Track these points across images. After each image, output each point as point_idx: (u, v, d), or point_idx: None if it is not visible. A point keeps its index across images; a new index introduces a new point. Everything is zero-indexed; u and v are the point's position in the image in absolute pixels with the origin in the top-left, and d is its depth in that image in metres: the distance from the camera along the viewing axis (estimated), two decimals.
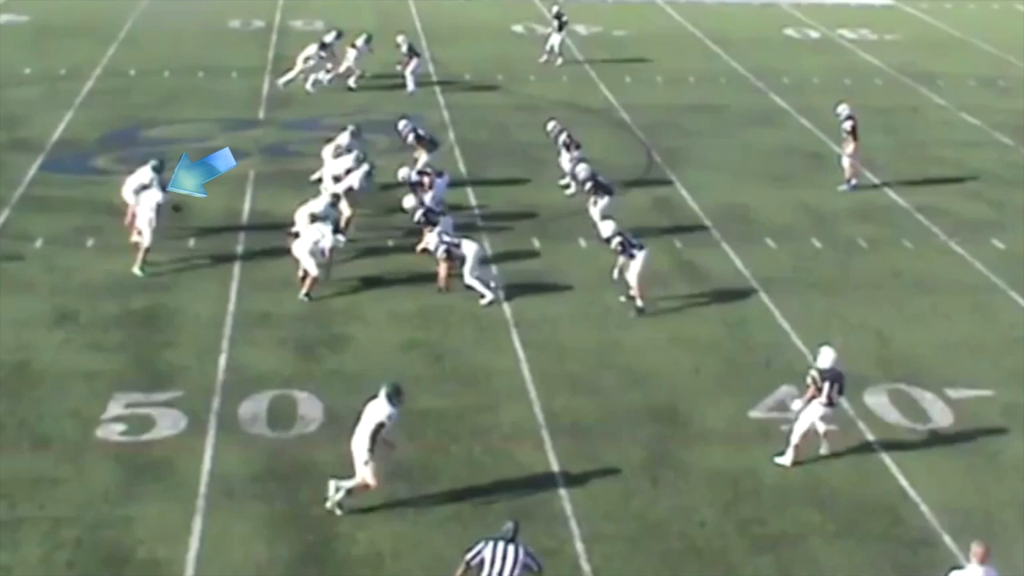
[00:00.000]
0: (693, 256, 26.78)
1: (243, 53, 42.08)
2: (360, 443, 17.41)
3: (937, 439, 20.02)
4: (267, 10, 48.90)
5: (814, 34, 49.02)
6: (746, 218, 29.12)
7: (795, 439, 19.07)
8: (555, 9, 42.82)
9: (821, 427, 19.24)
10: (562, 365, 21.87)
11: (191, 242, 26.35)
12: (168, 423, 19.50)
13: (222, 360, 21.52)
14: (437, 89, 37.99)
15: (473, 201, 29.30)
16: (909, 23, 51.99)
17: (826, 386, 18.92)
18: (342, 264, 25.34)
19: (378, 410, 17.44)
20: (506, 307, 23.99)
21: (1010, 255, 27.54)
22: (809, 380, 19.08)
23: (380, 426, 17.28)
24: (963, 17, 53.06)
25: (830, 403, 19.00)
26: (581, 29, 46.84)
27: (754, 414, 20.49)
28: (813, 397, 18.96)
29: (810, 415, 19.01)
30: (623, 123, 35.69)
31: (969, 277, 26.47)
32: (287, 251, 25.68)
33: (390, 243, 26.72)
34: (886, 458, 19.39)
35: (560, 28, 41.87)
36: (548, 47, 41.94)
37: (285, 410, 20.02)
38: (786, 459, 19.11)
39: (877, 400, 21.03)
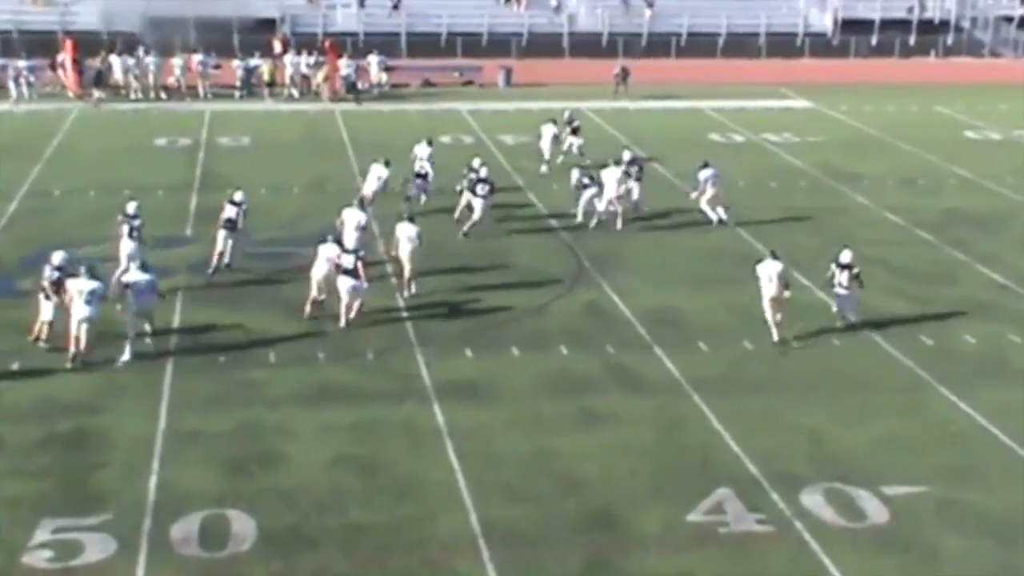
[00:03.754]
0: (625, 360, 26.79)
1: (170, 171, 42.05)
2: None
3: (874, 537, 19.99)
4: (194, 128, 49.01)
5: (738, 138, 49.70)
6: (677, 321, 29.23)
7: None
8: (566, 115, 44.61)
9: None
10: (497, 474, 21.71)
11: (119, 361, 26.06)
12: (97, 548, 19.11)
13: (152, 481, 21.20)
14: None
15: (404, 312, 29.23)
16: (830, 125, 52.84)
17: (838, 272, 28.26)
18: (272, 378, 25.22)
19: (774, 268, 27.73)
20: (440, 417, 23.86)
21: (938, 351, 27.79)
22: (828, 274, 28.43)
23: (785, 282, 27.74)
24: (882, 118, 54.01)
25: (844, 287, 28.33)
26: (508, 139, 47.25)
27: (691, 518, 20.38)
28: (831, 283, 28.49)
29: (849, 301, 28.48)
30: (551, 229, 35.85)
31: (899, 374, 26.65)
32: (217, 368, 25.61)
33: (320, 356, 26.59)
34: (824, 558, 19.31)
35: (574, 132, 43.54)
36: (566, 148, 43.53)
37: (217, 530, 19.70)
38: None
39: (813, 499, 20.99)
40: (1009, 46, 73.50)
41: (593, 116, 52.42)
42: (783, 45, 69.47)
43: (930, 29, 71.77)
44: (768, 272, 27.84)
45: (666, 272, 32.63)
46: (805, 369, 26.67)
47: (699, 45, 68.19)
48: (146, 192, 38.72)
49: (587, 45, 67.25)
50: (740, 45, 68.62)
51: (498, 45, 65.76)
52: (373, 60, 58.54)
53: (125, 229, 30.07)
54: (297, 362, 26.27)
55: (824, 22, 70.99)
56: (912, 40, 71.23)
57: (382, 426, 23.45)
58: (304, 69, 57.25)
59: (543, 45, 66.84)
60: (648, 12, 68.82)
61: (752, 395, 25.23)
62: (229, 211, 31.95)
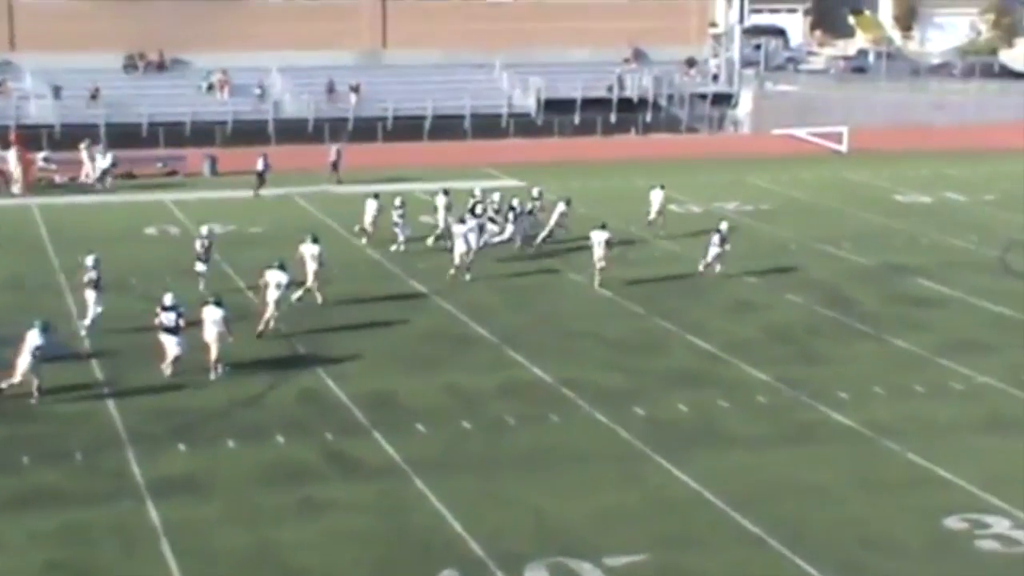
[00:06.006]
0: (344, 446, 26.46)
1: None
2: None
3: None
4: None
5: (450, 218, 49.79)
6: (394, 403, 29.06)
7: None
8: (536, 191, 47.01)
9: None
10: (216, 569, 21.12)
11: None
12: None
13: None
14: (69, 299, 36.75)
15: (113, 409, 28.29)
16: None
17: (715, 237, 40.00)
18: None
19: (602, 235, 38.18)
20: (154, 515, 23.06)
21: (651, 420, 28.30)
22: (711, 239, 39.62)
23: None
24: (588, 195, 54.96)
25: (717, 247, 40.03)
26: (217, 228, 46.47)
27: None
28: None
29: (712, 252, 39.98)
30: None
31: (615, 445, 27.01)
32: None
33: (24, 459, 25.45)
34: None
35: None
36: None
37: None
38: None
39: (537, 575, 21.01)
40: (704, 122, 76.30)
41: (302, 202, 52.15)
42: (488, 126, 70.57)
43: (630, 107, 73.93)
44: (597, 239, 38.73)
45: (382, 355, 32.47)
46: (524, 445, 26.80)
47: (406, 128, 68.73)
48: None
49: (293, 131, 67.02)
50: (446, 127, 69.42)
51: (202, 134, 64.95)
52: (96, 151, 56.74)
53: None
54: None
55: (528, 102, 72.40)
56: (613, 118, 73.24)
57: (93, 529, 22.54)
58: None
59: (249, 132, 66.24)
60: (354, 97, 69.06)
61: (473, 474, 25.20)
62: (196, 245, 38.13)
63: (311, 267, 36.45)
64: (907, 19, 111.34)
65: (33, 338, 28.28)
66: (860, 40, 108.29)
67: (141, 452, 25.96)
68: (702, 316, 36.35)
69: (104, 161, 55.94)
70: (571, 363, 32.04)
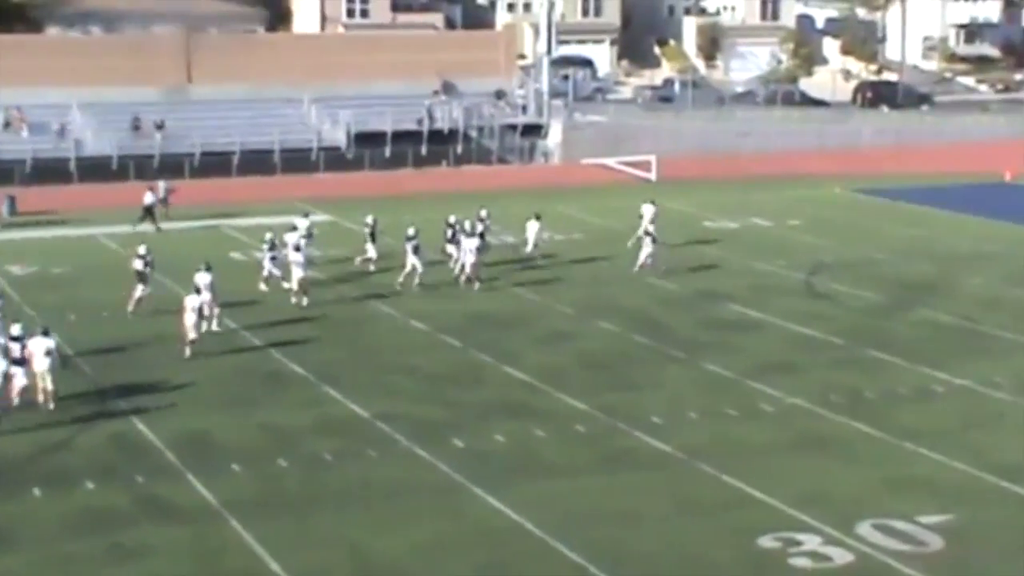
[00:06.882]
0: (157, 490, 25.85)
1: None
2: None
3: None
4: None
5: (257, 254, 49.18)
6: (208, 444, 28.53)
7: None
8: (483, 212, 47.34)
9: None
10: None
11: None
12: None
13: None
14: None
15: None
16: (349, 238, 53.10)
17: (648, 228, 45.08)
18: None
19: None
20: None
21: (468, 452, 28.23)
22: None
23: None
24: (400, 229, 54.79)
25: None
26: (16, 270, 45.26)
27: None
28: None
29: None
30: (66, 356, 34.21)
31: (434, 478, 26.86)
32: None
33: None
34: None
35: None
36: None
37: None
38: None
39: None
40: (515, 153, 76.74)
41: (107, 242, 50.98)
42: (298, 160, 70.04)
43: (440, 139, 74.05)
44: (469, 246, 42.06)
45: (194, 393, 31.89)
46: (341, 481, 26.52)
47: (213, 164, 67.79)
48: None
49: (97, 169, 65.63)
50: (255, 162, 68.68)
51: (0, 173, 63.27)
52: None
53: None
54: None
55: (337, 136, 72.05)
56: (424, 150, 73.29)
57: None
58: None
59: (49, 171, 64.75)
60: (159, 134, 67.98)
61: (290, 513, 24.83)
62: (137, 263, 39.14)
63: (205, 296, 36.61)
64: (711, 49, 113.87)
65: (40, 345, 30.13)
66: (666, 70, 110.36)
67: None
68: (517, 346, 36.44)
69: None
70: (387, 397, 31.84)
